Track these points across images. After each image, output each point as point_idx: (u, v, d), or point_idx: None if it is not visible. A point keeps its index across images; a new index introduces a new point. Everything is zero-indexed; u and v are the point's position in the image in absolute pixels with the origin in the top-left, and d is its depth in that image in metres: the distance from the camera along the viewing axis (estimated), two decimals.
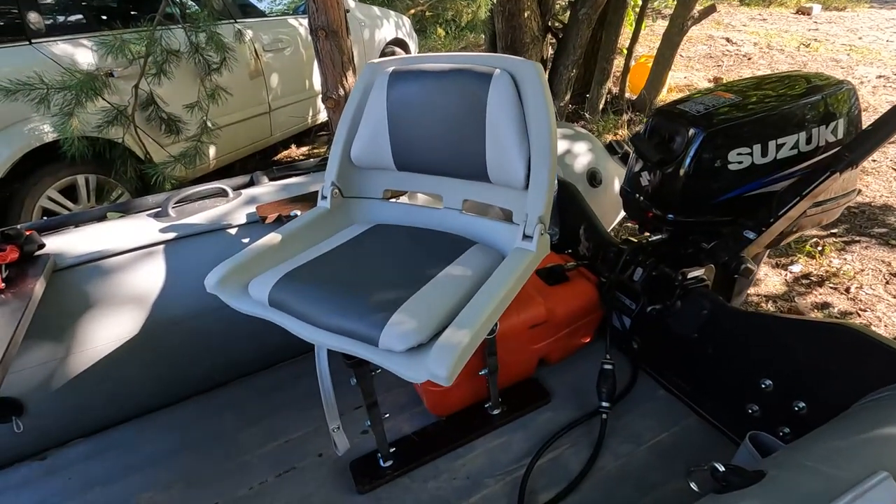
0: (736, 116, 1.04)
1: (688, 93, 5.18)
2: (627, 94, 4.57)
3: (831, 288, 2.38)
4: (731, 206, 1.10)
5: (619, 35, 4.11)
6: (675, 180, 1.09)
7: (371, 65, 1.20)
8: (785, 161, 1.06)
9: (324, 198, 1.23)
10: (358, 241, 1.14)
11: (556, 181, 1.01)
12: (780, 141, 1.04)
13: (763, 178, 1.06)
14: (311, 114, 3.90)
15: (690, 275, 1.20)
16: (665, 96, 4.63)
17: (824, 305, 2.29)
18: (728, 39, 6.82)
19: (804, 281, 2.43)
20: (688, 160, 1.06)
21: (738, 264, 1.04)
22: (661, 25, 5.82)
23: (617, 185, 1.89)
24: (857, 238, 2.68)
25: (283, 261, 1.08)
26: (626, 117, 4.06)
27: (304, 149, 4.13)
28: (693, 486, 0.83)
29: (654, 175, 1.14)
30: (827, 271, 2.46)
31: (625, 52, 4.55)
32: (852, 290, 2.35)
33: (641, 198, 1.19)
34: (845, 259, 2.55)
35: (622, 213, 1.95)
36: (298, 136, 4.08)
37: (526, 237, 0.98)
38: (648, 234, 1.24)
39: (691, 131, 1.05)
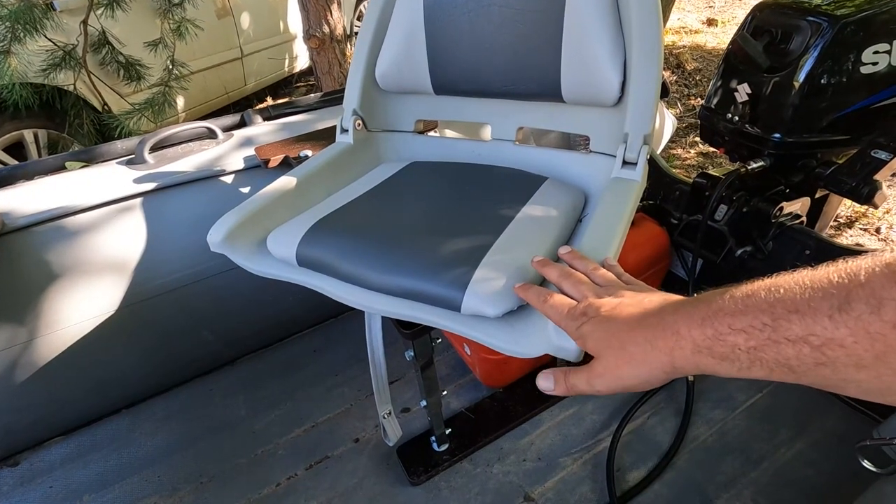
0: (869, 5, 0.83)
1: (683, 34, 4.94)
2: None
3: (861, 229, 2.27)
4: (855, 122, 0.90)
5: None
6: (786, 91, 0.89)
7: None
8: None
9: (344, 131, 0.98)
10: (396, 182, 0.91)
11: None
12: None
13: None
14: (287, 61, 3.53)
15: (787, 209, 1.01)
16: (663, 38, 4.40)
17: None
18: None
19: (832, 223, 2.31)
20: (809, 63, 0.85)
21: (870, 191, 0.86)
22: None
23: (658, 119, 1.68)
24: None
25: (305, 209, 0.85)
26: None
27: (281, 101, 3.76)
28: (867, 464, 0.67)
29: (756, 87, 0.93)
30: (855, 211, 2.35)
31: None
32: (882, 230, 2.24)
33: (734, 117, 0.98)
34: None
35: (661, 148, 1.77)
36: (273, 87, 3.71)
37: (627, 164, 0.76)
38: (738, 163, 1.04)
39: (815, 25, 0.84)
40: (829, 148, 0.93)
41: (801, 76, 0.86)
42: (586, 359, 0.47)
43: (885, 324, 0.23)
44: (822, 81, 0.86)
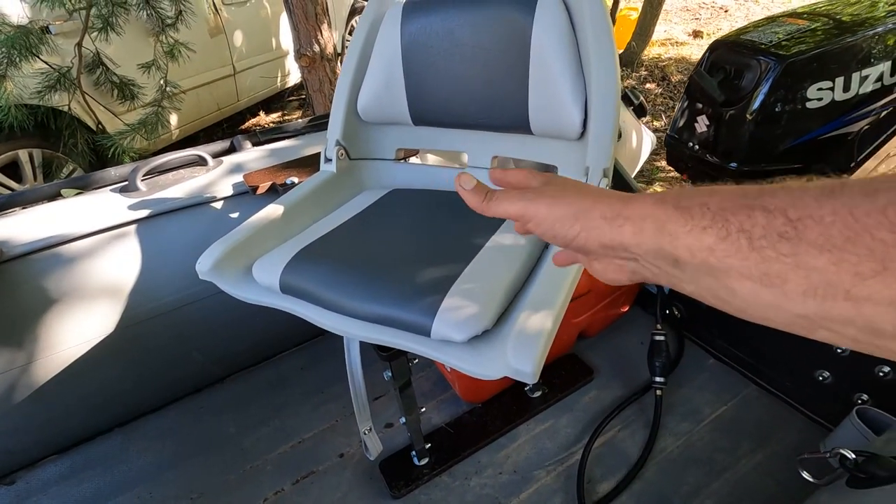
0: (818, 44, 0.89)
1: (669, 46, 5.04)
2: None
3: None
4: (803, 152, 0.96)
5: None
6: (741, 123, 0.95)
7: None
8: (867, 97, 0.92)
9: (328, 160, 1.04)
10: (376, 210, 0.96)
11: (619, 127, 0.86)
12: (864, 73, 0.90)
13: (842, 118, 0.93)
14: (279, 76, 3.59)
15: None
16: (649, 50, 4.51)
17: None
18: None
19: None
20: (759, 98, 0.91)
21: None
22: None
23: (634, 139, 1.75)
24: None
25: (290, 237, 0.90)
26: None
27: (274, 115, 3.82)
28: (806, 475, 0.72)
29: (713, 118, 0.99)
30: None
31: (609, 3, 4.36)
32: None
33: (696, 146, 1.04)
34: None
35: (638, 167, 1.84)
36: (266, 101, 3.77)
37: None
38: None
39: (765, 63, 0.90)
40: (783, 176, 0.99)
41: (754, 109, 0.92)
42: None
43: (874, 207, 0.22)
44: (773, 115, 0.92)
